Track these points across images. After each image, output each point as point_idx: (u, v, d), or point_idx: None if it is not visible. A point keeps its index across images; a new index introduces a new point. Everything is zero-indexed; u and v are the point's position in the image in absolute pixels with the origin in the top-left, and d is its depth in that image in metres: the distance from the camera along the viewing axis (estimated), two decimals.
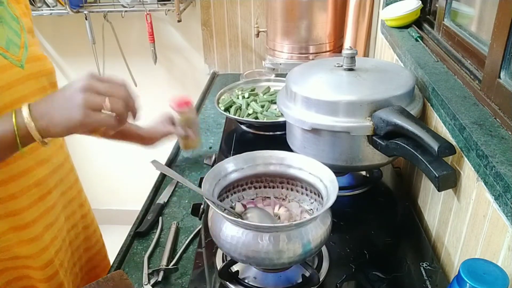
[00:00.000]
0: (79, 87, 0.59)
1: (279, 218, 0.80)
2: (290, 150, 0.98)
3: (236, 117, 1.29)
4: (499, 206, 0.60)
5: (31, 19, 0.84)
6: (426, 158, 0.76)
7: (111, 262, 0.92)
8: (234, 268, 0.79)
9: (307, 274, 0.76)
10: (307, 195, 0.84)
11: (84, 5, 1.88)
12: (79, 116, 0.59)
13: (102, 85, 0.60)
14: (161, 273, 0.86)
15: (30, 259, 0.79)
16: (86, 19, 1.93)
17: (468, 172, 0.73)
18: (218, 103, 1.37)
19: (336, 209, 0.75)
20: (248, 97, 1.39)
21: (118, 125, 0.62)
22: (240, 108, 1.35)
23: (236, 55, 2.12)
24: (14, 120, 0.60)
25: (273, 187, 0.86)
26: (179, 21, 1.81)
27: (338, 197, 0.69)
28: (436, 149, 0.72)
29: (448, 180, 0.75)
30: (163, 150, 1.28)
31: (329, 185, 0.74)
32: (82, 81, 0.60)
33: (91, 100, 0.59)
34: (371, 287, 0.77)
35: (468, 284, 0.53)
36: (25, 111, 0.60)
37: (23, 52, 0.74)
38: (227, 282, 0.76)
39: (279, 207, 0.83)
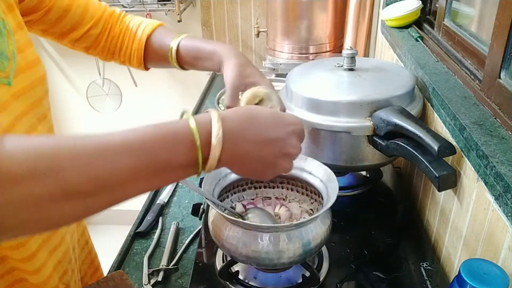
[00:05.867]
0: (285, 166, 0.53)
1: (279, 218, 0.81)
2: None
3: None
4: (499, 206, 0.60)
5: (18, 8, 0.68)
6: (426, 158, 0.76)
7: (112, 262, 0.92)
8: (234, 268, 0.79)
9: (307, 274, 0.76)
10: (307, 195, 0.84)
11: None
12: (269, 178, 0.55)
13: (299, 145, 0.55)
14: (161, 273, 0.86)
15: (35, 287, 0.71)
16: None
17: (468, 172, 0.73)
18: (218, 103, 1.37)
19: (336, 209, 0.75)
20: None
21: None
22: None
23: None
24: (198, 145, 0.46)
25: (273, 187, 0.86)
26: (179, 21, 1.81)
27: (338, 197, 0.69)
28: (436, 149, 0.72)
29: (448, 180, 0.75)
30: None
31: (329, 185, 0.74)
32: (294, 149, 0.53)
33: (289, 168, 0.54)
34: (371, 287, 0.77)
35: (468, 284, 0.53)
36: (217, 149, 0.47)
37: (11, 65, 0.62)
38: (227, 282, 0.76)
39: (280, 207, 0.83)
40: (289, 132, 0.53)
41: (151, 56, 0.84)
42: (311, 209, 0.82)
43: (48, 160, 0.39)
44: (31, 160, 0.39)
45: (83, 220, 0.89)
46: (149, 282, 0.85)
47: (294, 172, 0.82)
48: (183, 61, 0.82)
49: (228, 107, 0.73)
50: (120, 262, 0.91)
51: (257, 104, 0.71)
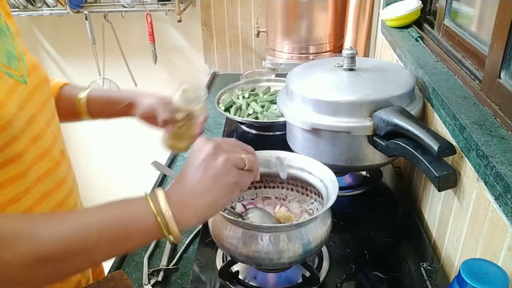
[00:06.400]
0: (221, 164, 0.54)
1: (280, 222, 0.80)
2: (290, 150, 0.98)
3: (236, 117, 1.29)
4: (499, 206, 0.60)
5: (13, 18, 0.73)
6: (426, 158, 0.76)
7: (112, 262, 0.92)
8: (234, 268, 0.79)
9: (307, 274, 0.76)
10: (307, 195, 0.84)
11: (84, 5, 1.88)
12: (232, 196, 0.55)
13: (235, 150, 0.57)
14: (161, 273, 0.86)
15: (61, 283, 0.74)
16: (86, 19, 1.93)
17: (468, 172, 0.73)
18: (218, 103, 1.37)
19: (336, 209, 0.75)
20: (248, 97, 1.39)
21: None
22: (240, 108, 1.35)
23: (236, 55, 2.12)
24: (154, 210, 0.52)
25: (273, 187, 0.86)
26: (179, 21, 1.81)
27: (338, 197, 0.69)
28: (436, 149, 0.72)
29: (448, 180, 0.75)
30: (163, 150, 1.28)
31: (329, 185, 0.74)
32: (220, 156, 0.55)
33: (240, 177, 0.55)
34: (371, 287, 0.76)
35: (468, 284, 0.53)
36: (162, 202, 0.52)
37: (22, 65, 0.66)
38: (227, 282, 0.76)
39: (280, 207, 0.83)
40: (218, 168, 0.54)
41: (60, 108, 0.84)
42: (311, 209, 0.82)
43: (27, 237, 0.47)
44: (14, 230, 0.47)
45: None
46: (149, 282, 0.85)
47: (294, 172, 0.82)
48: (94, 108, 0.86)
49: (166, 120, 0.79)
50: (120, 262, 0.91)
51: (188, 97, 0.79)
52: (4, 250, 0.46)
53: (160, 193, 0.53)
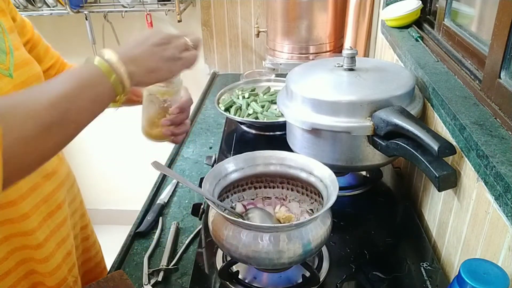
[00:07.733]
0: (174, 45, 0.64)
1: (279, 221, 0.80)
2: (290, 150, 0.98)
3: (236, 117, 1.29)
4: (500, 206, 0.60)
5: (12, 16, 0.76)
6: (426, 158, 0.76)
7: (112, 262, 0.92)
8: (234, 268, 0.79)
9: (307, 274, 0.76)
10: (307, 195, 0.84)
11: (84, 5, 1.88)
12: (178, 70, 0.66)
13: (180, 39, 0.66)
14: (161, 273, 0.86)
15: (45, 277, 0.76)
16: (86, 19, 1.93)
17: (468, 172, 0.73)
18: (218, 103, 1.37)
19: (336, 209, 0.75)
20: (248, 97, 1.39)
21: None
22: (240, 108, 1.35)
23: (236, 55, 2.12)
24: (102, 65, 0.57)
25: (273, 187, 0.86)
26: (179, 21, 1.81)
27: (338, 197, 0.69)
28: (436, 149, 0.72)
29: (449, 180, 0.75)
30: (163, 150, 1.28)
31: (329, 185, 0.74)
32: (175, 40, 0.64)
33: (189, 58, 0.66)
34: (371, 287, 0.77)
35: (468, 284, 0.53)
36: (114, 57, 0.58)
37: (10, 59, 0.69)
38: (227, 282, 0.76)
39: (280, 207, 0.83)
40: (168, 48, 0.64)
41: None
42: (311, 209, 0.82)
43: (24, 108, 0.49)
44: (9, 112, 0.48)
45: (88, 221, 0.93)
46: (149, 282, 0.85)
47: (294, 172, 0.82)
48: None
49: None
50: (120, 262, 0.91)
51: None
52: (10, 126, 0.47)
53: (108, 52, 0.58)
